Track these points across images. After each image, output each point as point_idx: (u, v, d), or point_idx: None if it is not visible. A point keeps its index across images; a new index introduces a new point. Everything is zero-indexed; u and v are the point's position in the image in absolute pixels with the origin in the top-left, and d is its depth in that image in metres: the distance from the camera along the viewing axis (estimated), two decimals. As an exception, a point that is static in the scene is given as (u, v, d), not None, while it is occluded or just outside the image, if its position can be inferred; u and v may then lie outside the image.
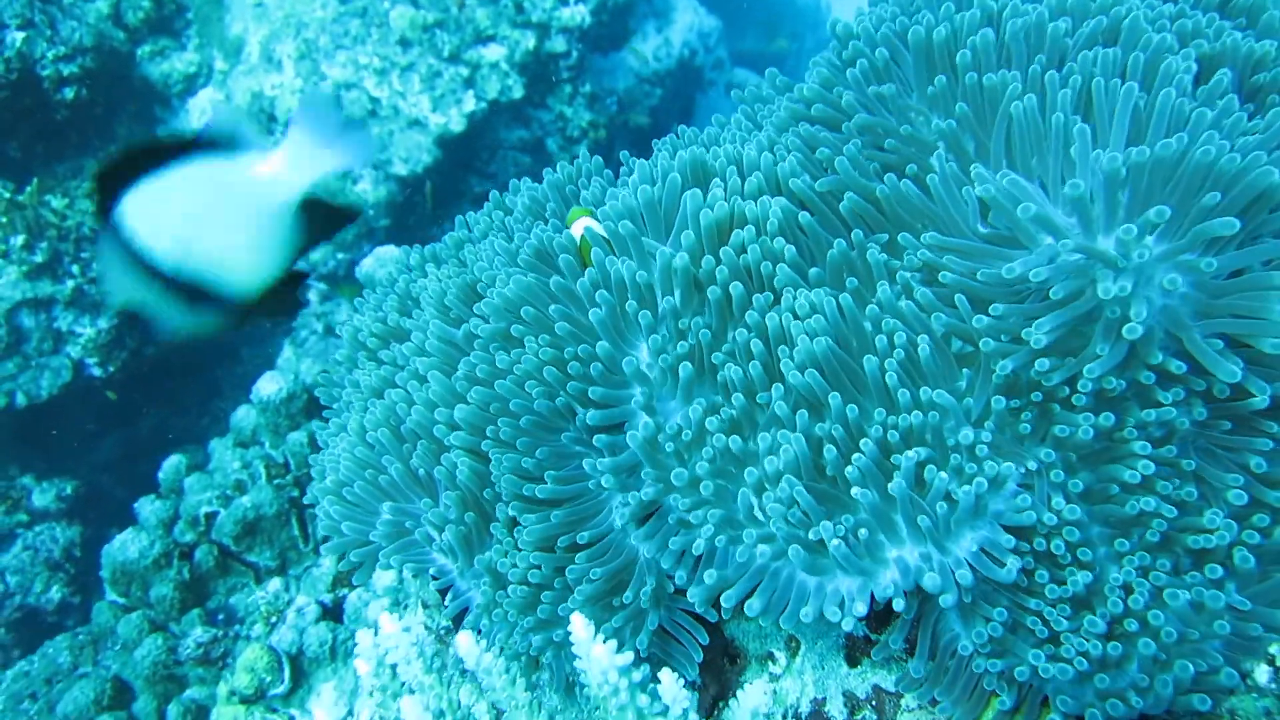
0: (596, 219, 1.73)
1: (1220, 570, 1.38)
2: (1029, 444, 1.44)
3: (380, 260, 2.83)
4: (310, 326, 5.00)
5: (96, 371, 4.33)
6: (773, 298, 1.57)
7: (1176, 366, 1.34)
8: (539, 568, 1.59)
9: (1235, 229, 1.27)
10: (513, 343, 1.69)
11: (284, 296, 1.41)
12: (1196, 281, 1.32)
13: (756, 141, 1.82)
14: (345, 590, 2.62)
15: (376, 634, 1.71)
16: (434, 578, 1.82)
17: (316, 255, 4.69)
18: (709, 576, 1.43)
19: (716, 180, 1.71)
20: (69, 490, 4.24)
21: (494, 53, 5.06)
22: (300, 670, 2.53)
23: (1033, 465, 1.42)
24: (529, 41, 5.19)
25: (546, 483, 1.59)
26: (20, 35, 4.16)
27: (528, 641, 1.64)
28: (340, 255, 4.69)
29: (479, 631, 1.70)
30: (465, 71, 4.86)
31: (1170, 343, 1.35)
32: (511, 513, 1.62)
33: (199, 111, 4.96)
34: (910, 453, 1.35)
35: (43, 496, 4.18)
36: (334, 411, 2.15)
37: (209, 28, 5.14)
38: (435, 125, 4.64)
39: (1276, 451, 1.39)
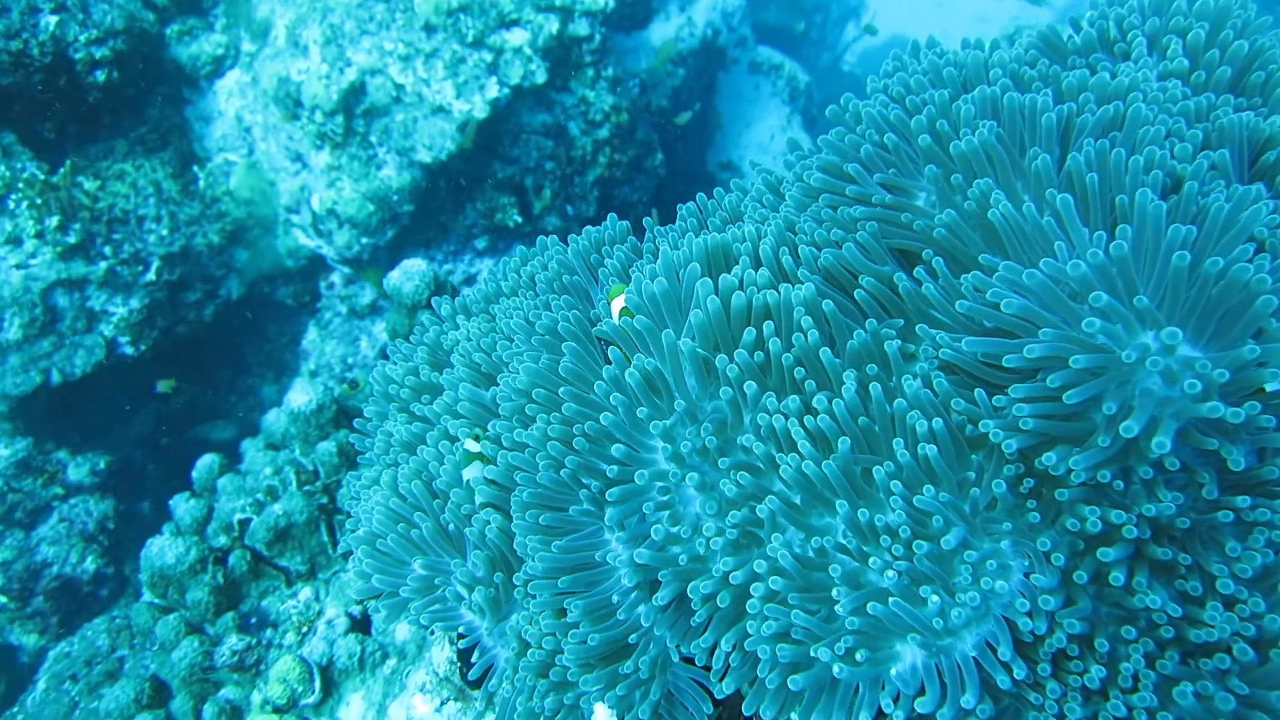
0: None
1: (1227, 661, 1.42)
2: (1037, 532, 1.47)
3: (406, 273, 2.90)
4: (335, 309, 5.10)
5: (129, 350, 4.45)
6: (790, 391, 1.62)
7: (1170, 463, 1.36)
8: (553, 634, 1.67)
9: (1256, 354, 1.30)
10: (530, 417, 1.77)
11: None
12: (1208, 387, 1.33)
13: (775, 226, 1.87)
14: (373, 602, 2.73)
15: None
16: (460, 635, 1.88)
17: (342, 239, 4.77)
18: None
19: (735, 270, 1.74)
20: (102, 465, 4.39)
21: (517, 37, 5.08)
22: (330, 680, 2.66)
23: (1044, 546, 1.45)
24: (552, 25, 5.20)
25: (553, 551, 1.66)
26: (54, 19, 4.24)
27: (542, 705, 1.71)
28: (365, 240, 4.77)
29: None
30: (489, 57, 4.89)
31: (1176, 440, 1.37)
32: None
33: (226, 94, 5.03)
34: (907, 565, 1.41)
35: (77, 471, 4.32)
36: (366, 460, 2.21)
37: (236, 8, 5.19)
38: (459, 112, 4.69)
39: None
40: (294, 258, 4.98)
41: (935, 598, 1.40)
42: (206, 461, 3.10)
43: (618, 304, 1.76)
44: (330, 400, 2.94)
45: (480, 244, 5.19)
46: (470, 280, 5.26)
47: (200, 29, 5.13)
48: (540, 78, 5.10)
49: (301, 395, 2.90)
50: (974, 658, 1.41)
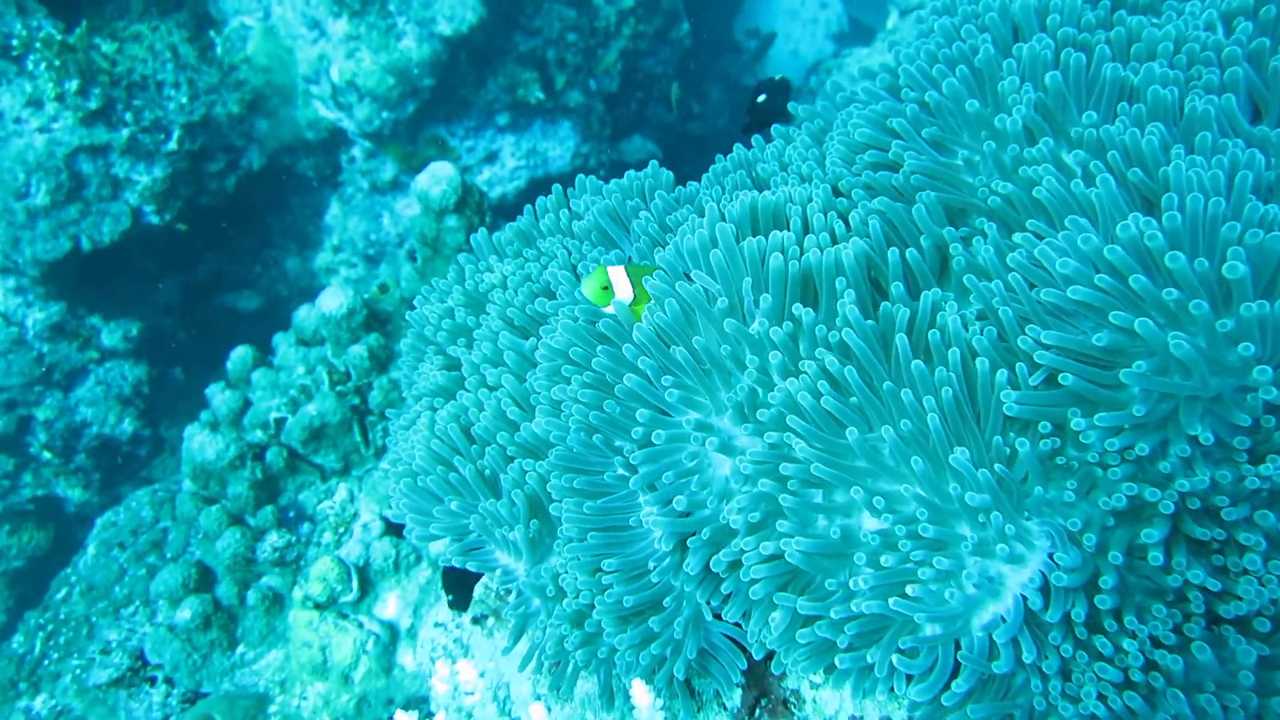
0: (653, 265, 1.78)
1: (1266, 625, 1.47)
2: (1068, 507, 1.47)
3: (435, 177, 2.88)
4: (356, 184, 5.10)
5: (154, 219, 4.50)
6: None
7: (1205, 437, 1.38)
8: (589, 590, 1.72)
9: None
10: (565, 378, 1.78)
11: None
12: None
13: (822, 190, 1.84)
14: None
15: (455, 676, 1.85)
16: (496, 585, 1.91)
17: (362, 113, 4.72)
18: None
19: (786, 236, 1.70)
20: (135, 331, 4.53)
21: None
22: (367, 580, 2.86)
23: (1074, 525, 1.46)
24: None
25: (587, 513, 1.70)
26: None
27: (574, 656, 1.78)
28: (386, 114, 4.71)
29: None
30: (512, -81, 4.67)
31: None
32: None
33: (241, -49, 4.85)
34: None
35: (110, 336, 4.47)
36: (404, 405, 2.22)
37: None
38: (480, -20, 4.52)
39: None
40: (314, 129, 4.94)
41: (953, 586, 1.44)
42: (240, 354, 3.20)
43: (619, 279, 1.72)
44: (360, 304, 3.01)
45: (502, 120, 5.12)
46: (492, 157, 5.23)
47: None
48: (565, -58, 4.88)
49: (333, 299, 2.97)
50: (987, 635, 1.45)
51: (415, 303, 2.23)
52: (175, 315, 5.05)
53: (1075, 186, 1.55)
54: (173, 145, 4.44)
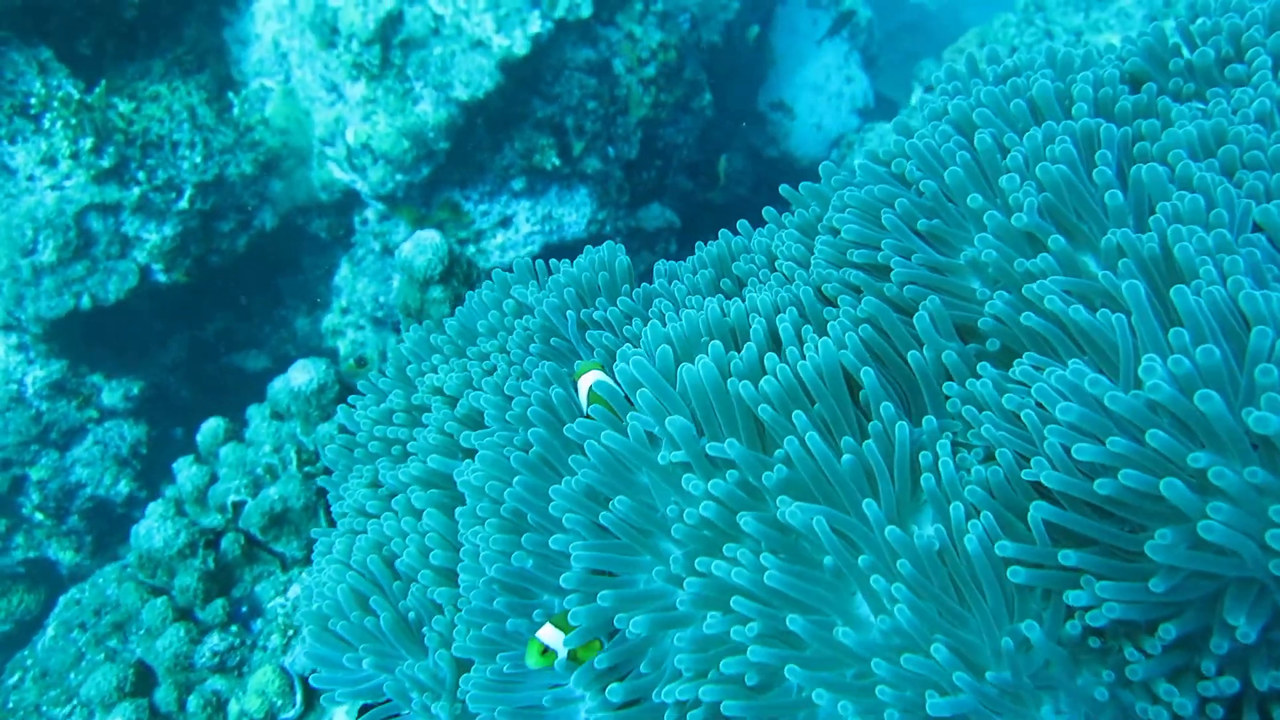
0: (608, 372, 1.60)
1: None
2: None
3: (419, 245, 2.78)
4: (368, 245, 5.05)
5: (162, 278, 4.46)
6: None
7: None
8: None
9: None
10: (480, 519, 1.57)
11: None
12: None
13: (804, 294, 1.66)
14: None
15: None
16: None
17: (376, 175, 4.68)
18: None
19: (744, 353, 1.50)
20: (135, 390, 4.44)
21: (563, -33, 4.85)
22: (312, 691, 2.49)
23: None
24: (602, -45, 4.96)
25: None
26: (89, -66, 4.12)
27: None
28: (400, 176, 4.67)
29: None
30: (533, -12, 4.68)
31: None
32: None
33: (264, 15, 4.90)
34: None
35: (111, 395, 4.39)
36: (336, 514, 2.02)
37: (277, -75, 5.01)
38: (499, 47, 4.51)
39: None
40: (328, 191, 4.91)
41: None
42: (211, 426, 3.02)
43: (587, 382, 1.54)
44: (333, 379, 2.85)
45: (517, 185, 5.07)
46: (506, 222, 5.16)
47: (240, -54, 4.97)
48: (585, 11, 4.88)
49: (303, 374, 2.83)
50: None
51: (351, 400, 2.06)
52: (180, 374, 4.97)
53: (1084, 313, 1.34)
54: (184, 204, 4.41)
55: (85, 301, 4.19)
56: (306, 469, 2.71)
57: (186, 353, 5.06)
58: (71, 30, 4.34)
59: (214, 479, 2.83)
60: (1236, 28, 1.68)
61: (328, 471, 2.55)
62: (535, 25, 4.61)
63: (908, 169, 1.67)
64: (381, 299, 5.02)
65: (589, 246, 2.26)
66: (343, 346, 4.93)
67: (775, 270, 1.85)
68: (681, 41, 5.60)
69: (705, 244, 2.05)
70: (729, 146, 7.45)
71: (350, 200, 5.02)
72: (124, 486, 4.34)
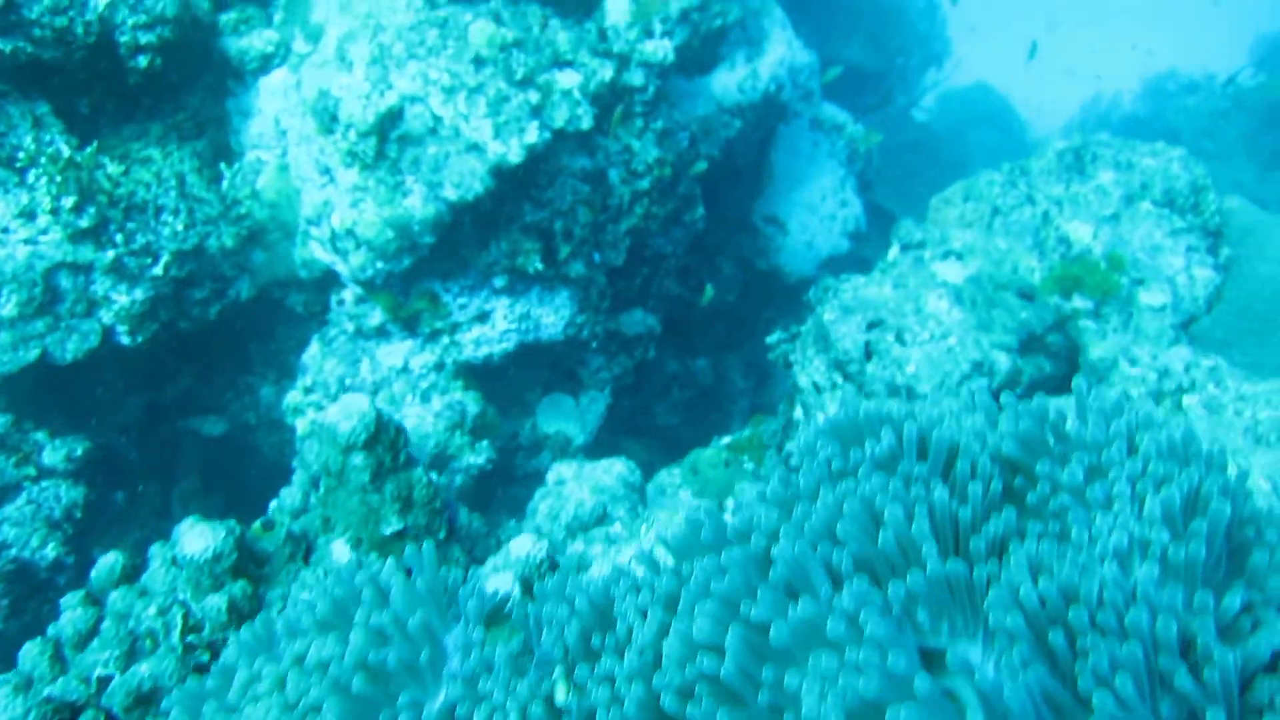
0: None
1: None
2: None
3: (345, 410, 2.73)
4: (341, 325, 5.03)
5: (125, 340, 4.41)
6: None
7: None
8: None
9: None
10: None
11: None
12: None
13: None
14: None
15: None
16: None
17: (357, 260, 4.68)
18: None
19: None
20: (79, 451, 4.35)
21: (568, 79, 4.96)
22: None
23: None
24: (606, 72, 5.07)
25: None
26: (104, 1, 4.19)
27: None
28: (380, 264, 4.68)
29: None
30: (535, 98, 4.76)
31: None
32: None
33: (269, 92, 4.97)
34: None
35: (53, 454, 4.30)
36: None
37: (296, 5, 5.12)
38: (494, 153, 4.57)
39: None
40: (309, 269, 4.91)
41: None
42: (109, 562, 2.81)
43: None
44: (231, 546, 2.71)
45: (499, 282, 5.08)
46: (484, 317, 5.15)
47: (257, 20, 5.07)
48: (586, 124, 4.96)
49: (197, 541, 2.74)
50: None
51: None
52: (132, 435, 4.89)
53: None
54: (158, 270, 4.39)
55: (39, 357, 4.13)
56: (190, 638, 2.59)
57: (143, 413, 4.98)
58: (73, 89, 4.39)
59: (99, 623, 2.66)
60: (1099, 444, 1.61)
61: (211, 648, 2.42)
62: (532, 135, 4.68)
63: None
64: (348, 381, 4.98)
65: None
66: (300, 426, 4.87)
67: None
68: (679, 158, 5.69)
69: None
70: (722, 252, 7.55)
71: (329, 279, 5.02)
72: (51, 550, 4.21)
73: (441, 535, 2.65)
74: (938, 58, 13.60)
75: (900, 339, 3.52)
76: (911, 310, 3.68)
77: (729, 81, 6.51)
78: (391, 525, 2.63)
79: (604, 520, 3.75)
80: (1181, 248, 4.00)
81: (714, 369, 7.93)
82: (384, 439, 2.72)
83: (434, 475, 3.15)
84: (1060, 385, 3.66)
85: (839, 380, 3.59)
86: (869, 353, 3.51)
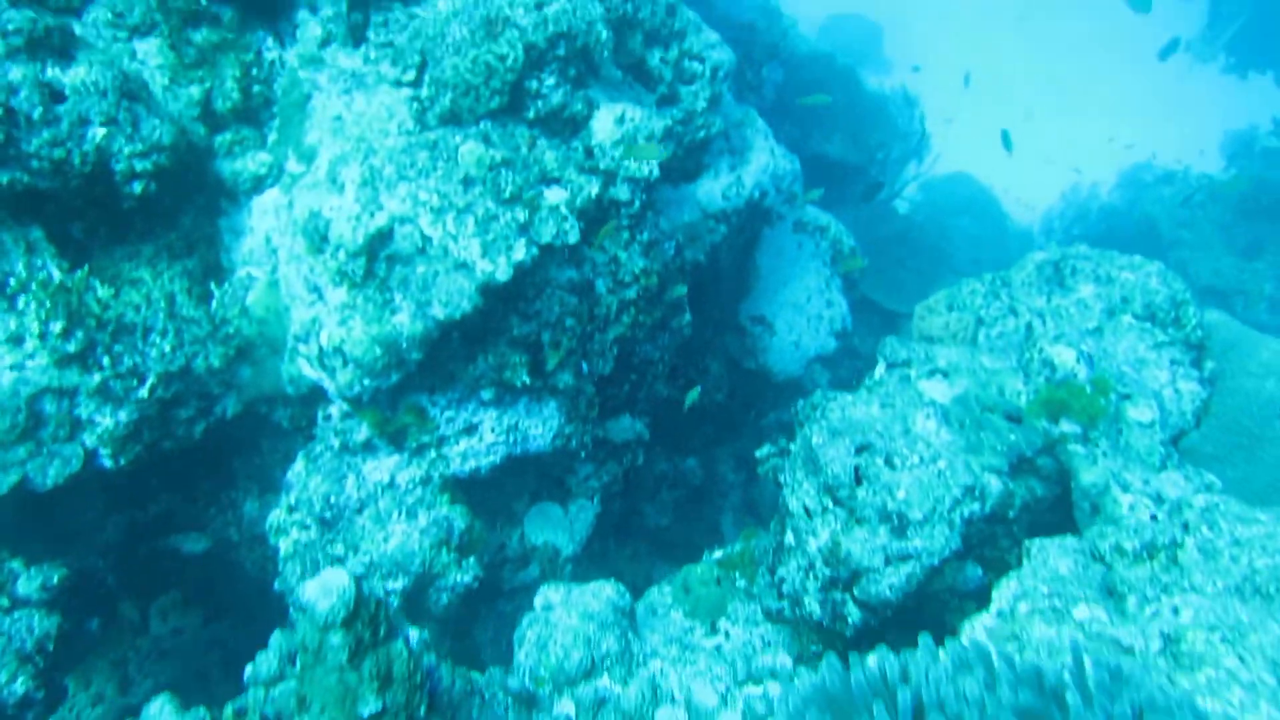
0: None
1: None
2: None
3: (325, 588, 2.70)
4: (327, 441, 4.99)
5: (108, 463, 4.36)
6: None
7: None
8: None
9: None
10: None
11: None
12: None
13: None
14: None
15: None
16: None
17: (344, 378, 4.68)
18: None
19: None
20: (55, 579, 4.25)
21: (555, 195, 5.05)
22: None
23: None
24: (593, 188, 5.17)
25: None
26: (102, 131, 4.28)
27: None
28: (368, 381, 4.67)
29: None
30: (522, 216, 4.85)
31: None
32: None
33: (261, 211, 5.04)
34: None
35: (28, 584, 4.20)
36: None
37: (289, 127, 5.24)
38: (482, 271, 4.62)
39: None
40: (295, 386, 4.90)
41: None
42: None
43: None
44: None
45: (486, 395, 5.08)
46: (471, 429, 5.13)
47: (252, 140, 5.18)
48: (573, 238, 5.04)
49: None
50: None
51: None
52: (112, 557, 4.79)
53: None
54: (143, 393, 4.37)
55: (17, 484, 4.07)
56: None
57: (123, 533, 4.89)
58: (67, 215, 4.44)
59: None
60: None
61: None
62: (520, 252, 4.74)
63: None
64: (333, 499, 4.91)
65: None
66: (284, 547, 4.78)
67: None
68: (665, 267, 5.77)
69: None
70: (709, 352, 7.59)
71: (316, 394, 5.00)
72: (20, 685, 4.07)
73: (421, 712, 2.56)
74: (917, 152, 13.99)
75: (890, 463, 3.51)
76: (900, 431, 3.67)
77: (714, 189, 6.65)
78: (369, 706, 2.55)
79: (593, 672, 3.63)
80: (1166, 361, 4.03)
81: (704, 466, 7.88)
82: (363, 614, 2.66)
83: (416, 634, 3.05)
84: (1053, 507, 3.64)
85: (830, 504, 3.55)
86: (859, 477, 3.49)
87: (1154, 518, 3.00)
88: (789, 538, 3.71)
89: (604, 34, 5.30)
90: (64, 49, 4.15)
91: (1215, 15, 11.21)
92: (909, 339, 4.50)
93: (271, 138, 5.29)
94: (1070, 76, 23.70)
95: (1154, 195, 10.39)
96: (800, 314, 7.41)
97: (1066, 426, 3.39)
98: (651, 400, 6.45)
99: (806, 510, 3.61)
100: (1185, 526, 2.86)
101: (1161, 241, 9.91)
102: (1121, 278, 4.24)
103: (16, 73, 3.93)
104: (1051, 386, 3.47)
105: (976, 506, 3.43)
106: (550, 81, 5.17)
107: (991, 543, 3.58)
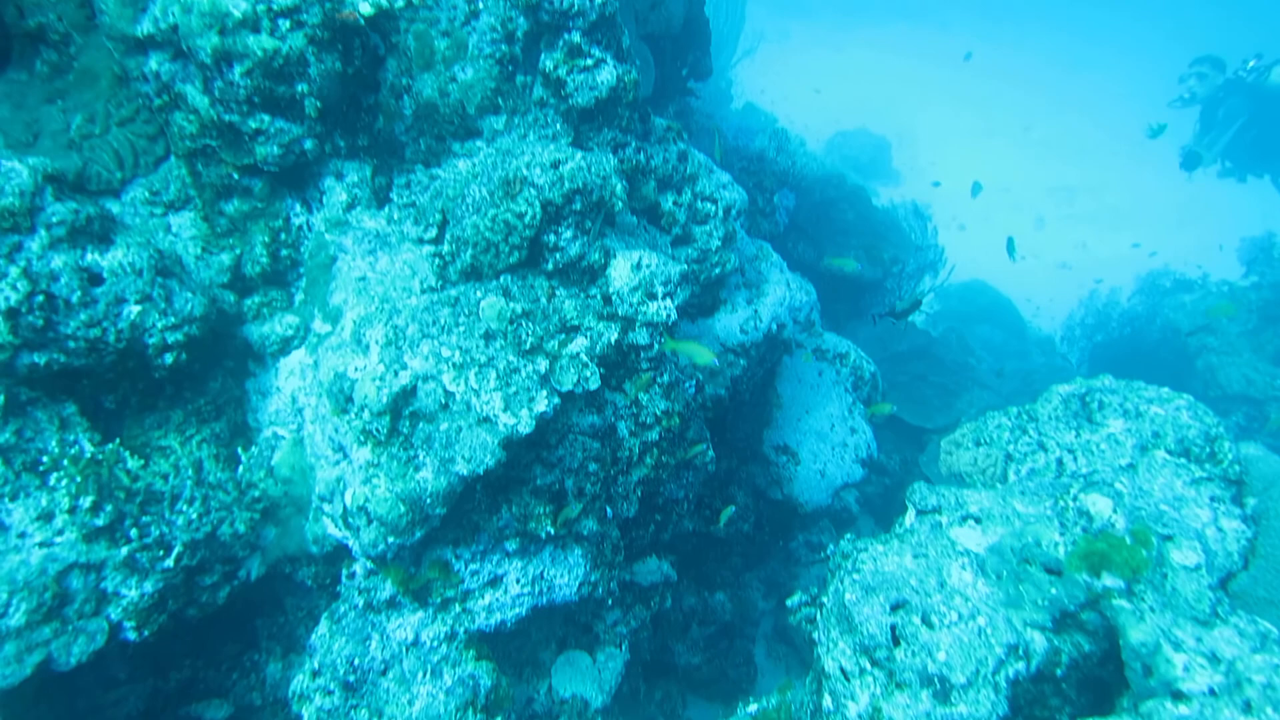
0: None
1: None
2: None
3: None
4: (352, 600, 4.93)
5: (132, 635, 4.31)
6: None
7: None
8: None
9: None
10: None
11: None
12: None
13: None
14: None
15: None
16: None
17: (368, 536, 4.66)
18: None
19: None
20: (75, 762, 4.15)
21: (576, 344, 5.12)
22: None
23: None
24: (612, 334, 5.24)
25: None
26: (137, 309, 4.43)
27: None
28: (392, 539, 4.64)
29: None
30: (543, 366, 4.91)
31: None
32: None
33: (287, 371, 5.15)
34: None
35: (47, 769, 4.10)
36: None
37: (316, 289, 5.41)
38: (504, 425, 4.65)
39: None
40: (320, 545, 4.89)
41: None
42: None
43: None
44: None
45: (510, 545, 5.02)
46: (496, 581, 5.06)
47: (279, 301, 5.34)
48: (594, 384, 5.08)
49: None
50: None
51: None
52: (131, 730, 4.68)
53: None
54: (169, 563, 4.37)
55: (47, 665, 4.03)
56: None
57: (145, 703, 4.80)
58: (100, 388, 4.55)
59: None
60: None
61: None
62: (542, 404, 4.77)
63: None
64: (357, 661, 4.81)
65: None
66: (307, 714, 4.66)
67: None
68: (686, 407, 5.77)
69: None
70: (733, 482, 7.51)
71: (340, 552, 4.97)
72: None
73: None
74: (933, 265, 14.17)
75: (927, 621, 3.39)
76: (935, 585, 3.56)
77: (731, 323, 6.73)
78: None
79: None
80: (1205, 498, 3.92)
81: (733, 600, 7.68)
82: None
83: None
84: (1102, 663, 3.48)
85: (867, 666, 3.42)
86: (896, 637, 3.37)
87: (1212, 692, 2.85)
88: (827, 701, 3.56)
89: (618, 187, 5.49)
90: (104, 234, 4.35)
91: (1209, 122, 11.47)
92: (937, 479, 4.43)
93: (298, 298, 5.46)
94: (1078, 183, 24.17)
95: (1174, 302, 10.38)
96: (824, 442, 7.35)
97: (1109, 580, 3.27)
98: (678, 536, 6.36)
99: (844, 672, 3.48)
100: (1247, 707, 2.70)
101: (1188, 348, 9.83)
102: (1151, 412, 4.18)
103: (58, 261, 4.12)
104: (1090, 538, 3.37)
105: (1022, 666, 3.28)
106: (567, 234, 5.32)
107: (1040, 702, 3.41)
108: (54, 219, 4.11)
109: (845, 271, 12.55)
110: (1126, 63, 29.56)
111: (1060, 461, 4.29)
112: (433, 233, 5.52)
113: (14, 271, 3.97)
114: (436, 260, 5.40)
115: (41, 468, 4.21)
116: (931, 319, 15.64)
